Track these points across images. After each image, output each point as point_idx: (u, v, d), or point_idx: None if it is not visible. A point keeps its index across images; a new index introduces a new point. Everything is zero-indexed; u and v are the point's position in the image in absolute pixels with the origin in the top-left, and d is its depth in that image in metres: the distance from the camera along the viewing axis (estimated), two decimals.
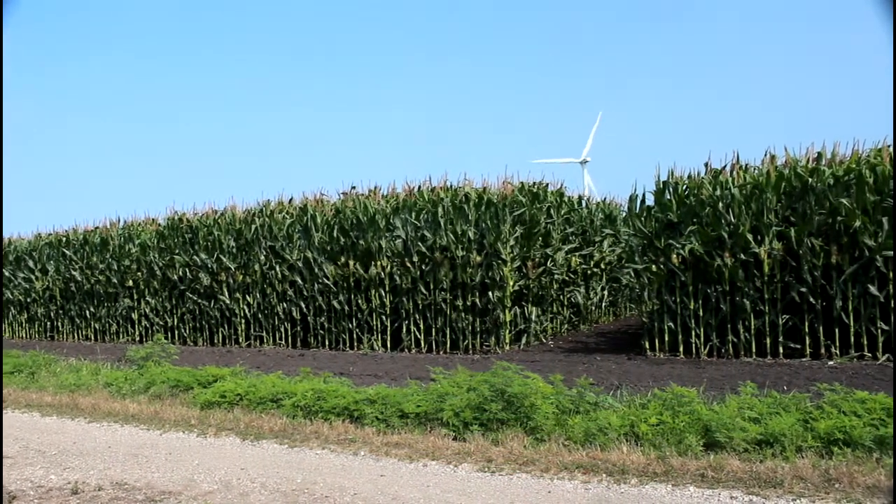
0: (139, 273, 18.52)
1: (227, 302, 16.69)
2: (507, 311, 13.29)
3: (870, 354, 10.33)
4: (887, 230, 10.18)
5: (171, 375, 10.24)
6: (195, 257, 17.23)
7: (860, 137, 12.16)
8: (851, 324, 10.48)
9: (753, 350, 11.05)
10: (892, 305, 10.08)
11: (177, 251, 17.71)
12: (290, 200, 17.05)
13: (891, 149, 10.98)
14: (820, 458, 5.51)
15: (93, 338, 19.94)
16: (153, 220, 19.44)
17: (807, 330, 10.80)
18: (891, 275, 10.16)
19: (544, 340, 14.49)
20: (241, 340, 16.59)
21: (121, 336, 19.15)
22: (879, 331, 10.30)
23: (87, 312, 20.02)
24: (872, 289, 10.29)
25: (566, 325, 15.98)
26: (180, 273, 17.62)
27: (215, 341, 17.13)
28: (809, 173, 10.96)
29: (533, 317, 14.00)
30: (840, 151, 11.40)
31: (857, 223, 10.27)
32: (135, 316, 18.75)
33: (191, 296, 17.38)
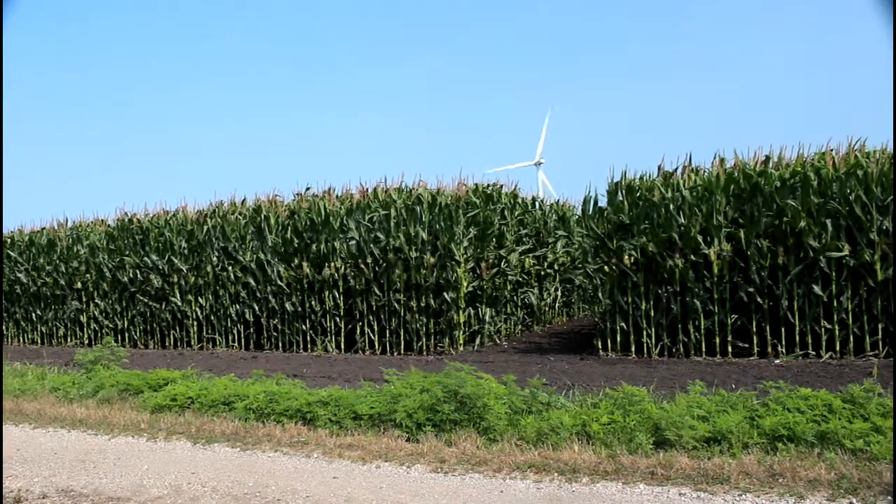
0: (88, 275, 18.16)
1: (179, 304, 16.46)
2: (460, 312, 13.32)
3: (814, 352, 10.59)
4: (831, 232, 10.44)
5: (120, 379, 10.04)
6: (146, 259, 16.95)
7: (805, 141, 12.45)
8: (797, 323, 10.72)
9: (703, 349, 11.24)
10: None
11: (127, 252, 17.40)
12: (244, 201, 16.86)
13: (834, 153, 11.27)
14: (765, 454, 5.63)
15: (39, 341, 19.48)
16: (102, 220, 19.07)
17: (754, 329, 11.02)
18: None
19: (498, 341, 14.56)
20: (193, 343, 16.36)
21: (69, 339, 18.75)
22: (823, 329, 10.56)
23: (34, 315, 19.56)
24: (816, 289, 10.54)
25: (520, 326, 16.07)
26: (131, 275, 17.31)
27: (167, 344, 16.87)
28: (757, 176, 11.18)
29: (487, 318, 14.05)
30: (786, 155, 11.66)
31: (803, 225, 10.51)
32: (83, 319, 18.38)
33: (141, 298, 17.10)
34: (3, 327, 20.33)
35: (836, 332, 10.50)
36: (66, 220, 19.86)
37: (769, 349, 10.87)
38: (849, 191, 10.45)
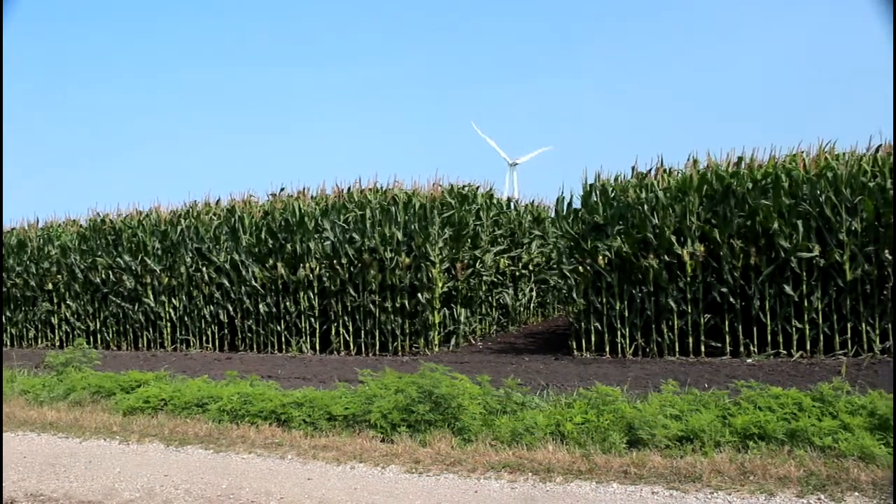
0: (59, 276, 17.92)
1: (152, 305, 16.30)
2: (435, 312, 13.32)
3: (785, 352, 10.71)
4: (802, 232, 10.56)
5: (92, 381, 9.93)
6: (119, 259, 16.77)
7: (777, 144, 12.57)
8: (768, 323, 10.84)
9: (677, 349, 11.32)
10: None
11: (99, 253, 17.20)
12: (218, 202, 16.73)
13: (805, 155, 11.41)
14: (737, 452, 5.70)
15: (9, 343, 19.20)
16: (74, 221, 18.82)
17: (727, 329, 11.12)
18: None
19: (473, 342, 14.58)
20: (166, 344, 16.22)
21: (39, 341, 18.49)
22: (794, 329, 10.68)
23: (3, 317, 19.28)
24: (787, 289, 10.67)
25: (495, 327, 16.10)
26: (103, 275, 17.11)
27: (140, 345, 16.70)
28: (730, 177, 11.29)
29: (462, 318, 14.06)
30: (758, 156, 11.78)
31: (774, 225, 10.63)
32: (54, 320, 18.13)
33: (114, 299, 16.91)
34: None
35: (807, 331, 10.63)
36: (37, 221, 19.59)
37: (741, 349, 10.98)
38: (819, 192, 10.58)
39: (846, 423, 5.71)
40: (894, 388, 6.11)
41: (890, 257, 10.16)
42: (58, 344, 17.75)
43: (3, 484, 6.12)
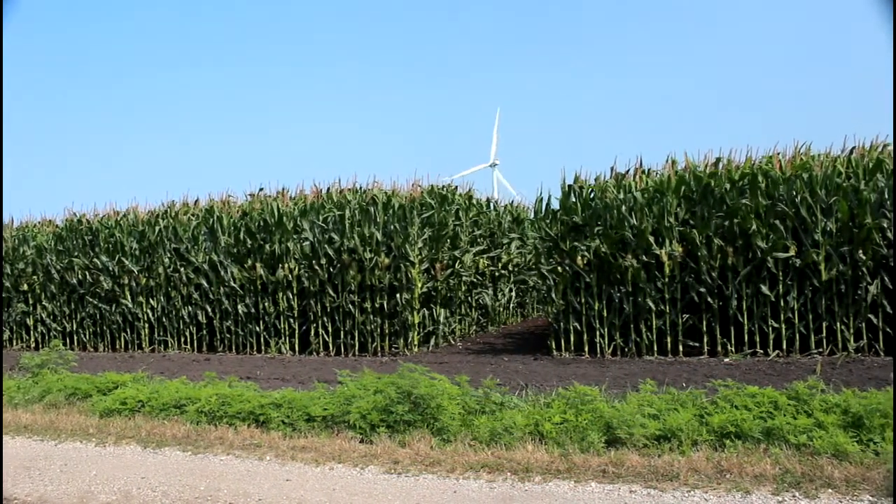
0: (35, 277, 17.73)
1: (130, 306, 16.17)
2: (415, 313, 13.32)
3: (762, 351, 10.81)
4: (779, 233, 10.66)
5: (68, 383, 9.83)
6: (95, 260, 16.62)
7: (753, 145, 12.70)
8: (745, 322, 10.93)
9: (655, 349, 11.39)
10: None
11: (76, 254, 17.03)
12: (196, 202, 16.63)
13: (781, 156, 11.53)
14: (713, 451, 5.74)
15: None
16: (50, 221, 18.63)
17: (705, 329, 11.21)
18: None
19: (453, 342, 14.58)
20: (144, 345, 16.09)
21: (14, 343, 18.28)
22: (770, 328, 10.78)
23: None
24: (764, 288, 10.77)
25: (474, 327, 16.12)
26: (80, 276, 16.95)
27: (117, 347, 16.55)
28: (708, 178, 11.38)
29: (441, 318, 14.06)
30: (736, 157, 11.88)
31: (751, 226, 10.73)
32: (30, 322, 17.93)
33: (91, 300, 16.76)
34: None
35: (783, 330, 10.73)
36: (12, 221, 19.37)
37: (719, 348, 11.07)
38: (795, 193, 10.69)
39: (820, 421, 5.78)
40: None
41: (864, 256, 10.30)
42: (33, 346, 17.56)
43: None
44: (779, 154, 11.57)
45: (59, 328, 17.45)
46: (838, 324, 10.54)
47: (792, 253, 10.61)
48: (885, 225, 10.28)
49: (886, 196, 10.36)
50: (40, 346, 16.99)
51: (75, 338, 17.17)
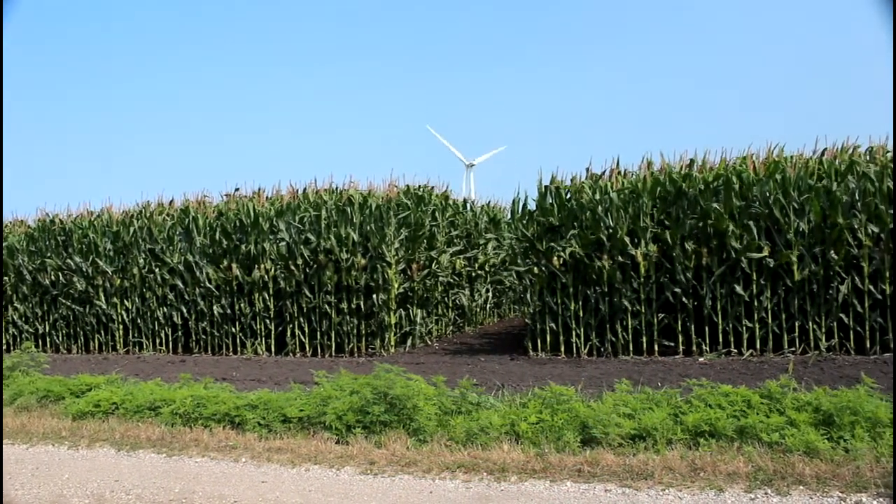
0: (6, 278, 17.50)
1: (104, 307, 16.00)
2: (391, 313, 13.30)
3: (736, 350, 10.91)
4: (753, 233, 10.77)
5: (40, 385, 9.71)
6: (69, 261, 16.43)
7: (727, 146, 12.83)
8: (720, 322, 11.03)
9: (631, 349, 11.46)
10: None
11: (49, 254, 16.83)
12: (171, 202, 16.49)
13: (755, 158, 11.65)
14: (688, 450, 5.79)
15: None
16: (22, 221, 18.35)
17: (680, 328, 11.29)
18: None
19: (429, 342, 14.58)
20: (119, 347, 15.93)
21: None
22: (745, 328, 10.88)
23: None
24: (738, 288, 10.87)
25: (451, 327, 16.12)
26: (52, 277, 16.75)
27: (91, 348, 16.37)
28: (682, 179, 11.47)
29: (418, 319, 14.06)
30: (710, 159, 11.99)
31: (725, 227, 10.82)
32: (1, 323, 17.70)
33: (64, 301, 16.56)
34: None
35: (757, 330, 10.84)
36: None
37: (694, 348, 11.16)
38: (768, 194, 10.80)
39: (793, 419, 5.85)
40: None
41: (836, 256, 10.43)
42: (4, 348, 17.32)
43: None
44: (753, 155, 11.69)
45: (31, 330, 17.22)
46: (810, 323, 10.67)
47: (765, 253, 10.72)
48: (856, 225, 10.43)
49: (857, 197, 10.50)
50: (12, 348, 16.76)
51: (48, 340, 16.97)
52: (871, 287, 10.48)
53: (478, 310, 17.45)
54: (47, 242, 16.95)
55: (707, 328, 11.14)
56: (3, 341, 17.50)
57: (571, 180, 12.51)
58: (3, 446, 7.59)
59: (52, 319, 16.97)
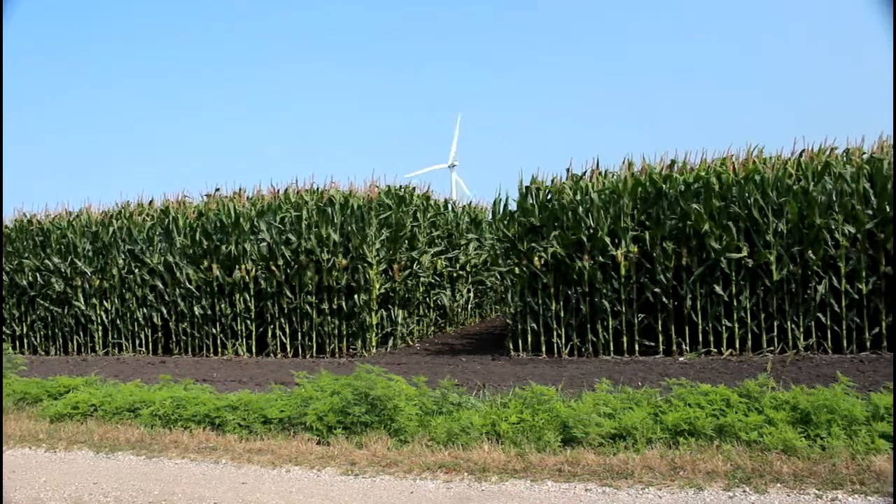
0: None
1: (83, 308, 15.87)
2: (373, 314, 13.29)
3: (716, 350, 10.99)
4: (732, 234, 10.85)
5: (17, 388, 9.62)
6: (47, 261, 16.27)
7: (708, 147, 12.91)
8: (700, 322, 11.11)
9: (612, 348, 11.51)
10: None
11: (26, 255, 16.65)
12: (151, 202, 16.39)
13: (734, 159, 11.74)
14: (668, 449, 5.83)
15: None
16: None
17: (660, 328, 11.36)
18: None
19: (411, 343, 14.58)
20: (98, 348, 15.80)
21: None
22: (724, 328, 10.96)
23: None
24: (718, 289, 10.95)
25: (432, 328, 16.12)
26: (30, 278, 16.58)
27: (70, 350, 16.22)
28: (663, 180, 11.54)
29: (399, 319, 14.05)
30: (690, 160, 12.08)
31: (705, 227, 10.90)
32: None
33: (42, 302, 16.40)
34: None
35: (736, 329, 10.93)
36: None
37: (674, 347, 11.23)
38: (747, 195, 10.89)
39: (771, 417, 5.91)
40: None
41: (813, 256, 10.53)
42: None
43: None
44: (732, 156, 11.78)
45: (8, 331, 17.03)
46: (789, 322, 10.77)
47: (744, 254, 10.81)
48: (833, 226, 10.54)
49: (834, 198, 10.61)
50: None
51: (26, 341, 16.80)
52: (848, 287, 10.59)
53: (459, 310, 17.46)
54: (25, 243, 16.78)
55: (687, 328, 11.22)
56: None
57: (552, 181, 12.55)
58: None
59: (29, 321, 16.80)
